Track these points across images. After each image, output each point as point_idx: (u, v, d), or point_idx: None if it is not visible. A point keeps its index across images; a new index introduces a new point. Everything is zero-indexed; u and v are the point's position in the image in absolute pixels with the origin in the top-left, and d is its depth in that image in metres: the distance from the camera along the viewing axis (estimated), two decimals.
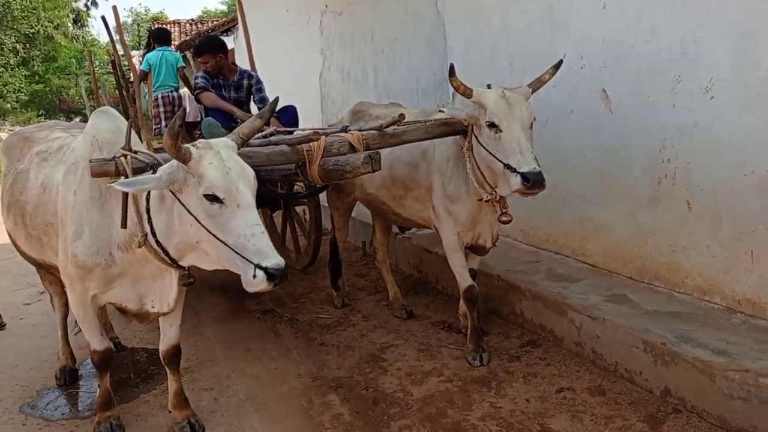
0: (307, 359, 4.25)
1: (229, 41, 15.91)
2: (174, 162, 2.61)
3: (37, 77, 32.17)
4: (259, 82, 5.29)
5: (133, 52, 40.76)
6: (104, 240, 2.93)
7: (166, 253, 2.76)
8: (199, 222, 2.54)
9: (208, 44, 5.09)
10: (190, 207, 2.56)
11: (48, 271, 3.72)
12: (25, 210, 3.29)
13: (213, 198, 2.50)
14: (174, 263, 2.80)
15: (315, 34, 8.70)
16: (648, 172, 4.03)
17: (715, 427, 3.03)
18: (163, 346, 3.42)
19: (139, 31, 52.62)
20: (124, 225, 2.81)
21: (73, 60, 42.81)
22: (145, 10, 56.62)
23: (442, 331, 4.51)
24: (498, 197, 3.48)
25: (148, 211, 2.73)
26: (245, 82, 5.22)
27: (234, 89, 5.18)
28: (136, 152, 2.84)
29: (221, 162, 2.56)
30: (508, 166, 3.18)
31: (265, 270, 2.41)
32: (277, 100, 2.87)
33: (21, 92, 26.87)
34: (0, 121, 23.61)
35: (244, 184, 2.56)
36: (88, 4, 39.27)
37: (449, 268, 4.07)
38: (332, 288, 5.21)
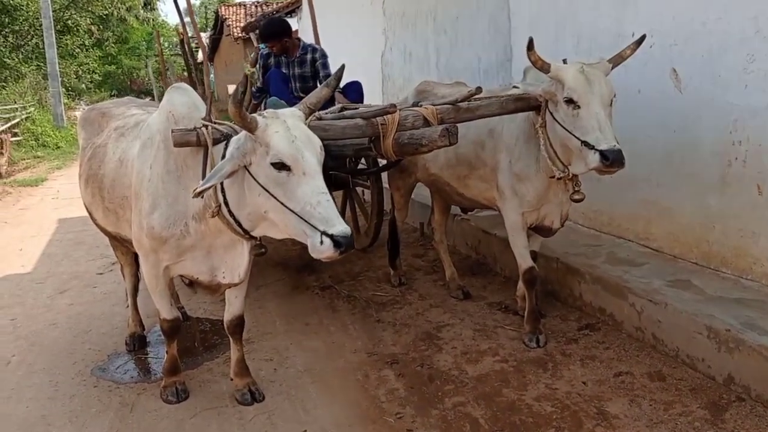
0: (364, 335, 4.31)
1: (292, 23, 16.11)
2: (242, 133, 2.69)
3: (110, 58, 33.31)
4: (323, 56, 5.26)
5: (202, 34, 41.72)
6: (180, 211, 3.03)
7: (239, 224, 2.83)
8: (267, 191, 2.60)
9: (272, 30, 5.15)
10: (258, 176, 2.62)
11: (121, 243, 3.87)
12: (103, 184, 3.44)
13: (280, 166, 2.55)
14: (246, 233, 2.88)
15: (378, 14, 8.71)
16: (717, 154, 3.90)
17: None
18: (228, 316, 3.53)
19: (206, 13, 53.72)
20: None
21: (143, 42, 44.09)
22: None
23: (499, 312, 4.50)
24: (571, 175, 3.44)
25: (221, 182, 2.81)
26: (309, 56, 5.22)
27: (298, 65, 5.22)
28: (214, 123, 2.93)
29: (287, 130, 2.61)
30: (585, 143, 3.13)
31: (332, 237, 2.46)
32: (343, 67, 2.89)
33: (95, 73, 27.87)
34: (75, 101, 24.51)
35: (309, 152, 2.60)
36: None
37: (508, 250, 4.05)
38: (390, 267, 5.25)
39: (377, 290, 5.14)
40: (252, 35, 17.08)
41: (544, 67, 3.31)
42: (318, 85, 5.27)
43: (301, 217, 2.55)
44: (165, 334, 3.54)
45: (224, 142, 2.86)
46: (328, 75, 5.13)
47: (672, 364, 3.52)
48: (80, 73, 25.49)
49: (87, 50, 26.15)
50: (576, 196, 3.50)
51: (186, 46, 6.34)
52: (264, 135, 2.60)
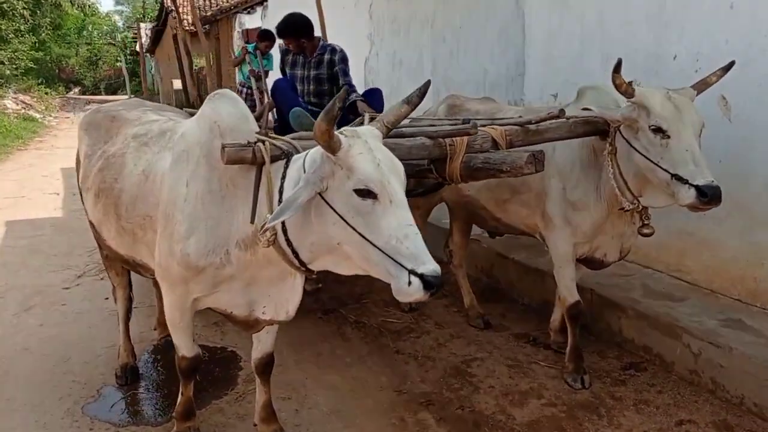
0: (386, 369, 3.95)
1: (255, 18, 15.53)
2: (316, 153, 2.28)
3: (41, 45, 31.57)
4: (343, 60, 4.80)
5: (141, 25, 40.01)
6: (221, 237, 2.60)
7: (296, 255, 2.42)
8: (345, 220, 2.20)
9: (289, 27, 4.67)
10: (335, 203, 2.22)
11: (131, 268, 3.37)
12: (120, 199, 2.94)
13: (365, 193, 2.16)
14: (302, 266, 2.47)
15: (363, 17, 8.33)
16: None
17: None
18: (257, 354, 3.11)
19: (144, 2, 51.90)
20: (252, 220, 2.48)
21: (72, 28, 42.06)
22: None
23: (528, 345, 4.21)
24: (640, 207, 3.17)
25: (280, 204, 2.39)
26: (327, 56, 4.75)
27: (314, 65, 4.77)
28: (272, 137, 2.52)
29: (371, 152, 2.23)
30: (677, 177, 2.87)
31: (421, 277, 2.08)
32: (429, 83, 2.54)
33: (21, 59, 26.33)
34: (3, 89, 23.02)
35: (395, 177, 2.23)
36: None
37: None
38: None
39: (387, 316, 4.77)
40: (238, 33, 16.31)
41: (627, 91, 3.04)
42: (333, 88, 4.84)
43: (385, 253, 2.16)
44: (182, 374, 3.08)
45: (284, 161, 2.46)
46: (348, 83, 4.69)
47: (737, 412, 3.30)
48: (14, 59, 23.97)
49: (22, 35, 24.61)
50: (646, 230, 3.24)
51: (181, 44, 5.76)
52: (346, 157, 2.21)
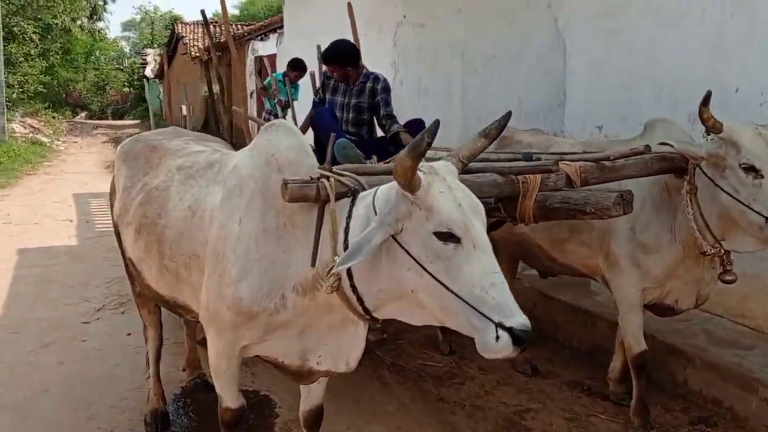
0: (431, 418, 3.69)
1: (269, 45, 15.44)
2: (390, 191, 2.05)
3: (49, 69, 31.64)
4: (385, 90, 4.57)
5: (149, 50, 40.14)
6: (277, 280, 2.36)
7: (361, 301, 2.17)
8: (422, 266, 1.97)
9: (336, 55, 4.46)
10: (411, 246, 1.98)
11: (171, 310, 3.12)
12: (164, 236, 2.70)
13: (447, 236, 1.93)
14: (367, 314, 2.21)
15: (386, 45, 8.17)
16: None
17: None
18: (306, 406, 2.87)
19: (152, 30, 52.26)
20: (313, 263, 2.24)
21: (80, 54, 42.15)
22: (154, 9, 56.43)
23: (583, 395, 3.93)
24: (722, 251, 2.93)
25: (346, 246, 2.15)
26: (369, 84, 4.53)
27: (356, 94, 4.56)
28: (336, 173, 2.30)
29: (451, 191, 2.01)
30: None
31: (510, 331, 1.84)
32: (509, 114, 2.32)
33: (29, 83, 26.30)
34: (11, 113, 22.91)
35: (477, 219, 2.01)
36: None
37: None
38: (438, 330, 4.62)
39: (426, 358, 4.51)
40: (250, 60, 16.22)
41: (715, 126, 2.81)
42: (372, 118, 4.62)
43: (468, 303, 1.92)
44: (226, 426, 2.81)
45: (349, 199, 2.23)
46: (389, 114, 4.46)
47: None
48: (24, 83, 23.88)
49: (32, 60, 24.56)
50: (728, 277, 3.00)
51: (215, 71, 5.53)
52: (426, 196, 1.97)
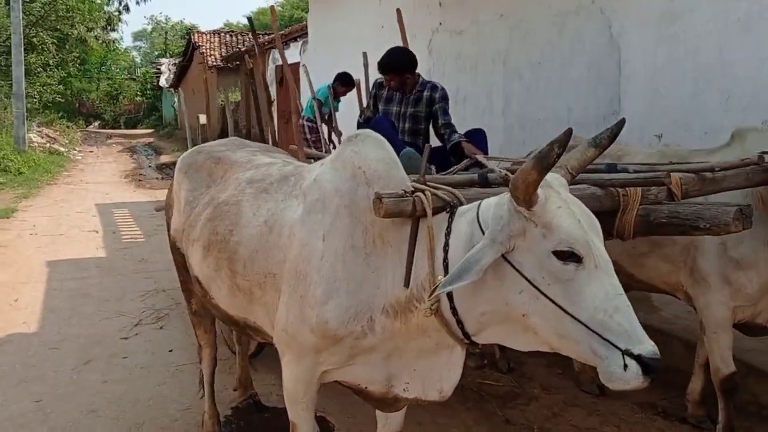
0: None
1: (291, 54, 15.33)
2: (500, 206, 1.87)
3: (65, 79, 31.78)
4: (444, 99, 4.39)
5: (163, 60, 40.25)
6: (364, 302, 2.18)
7: (460, 324, 1.99)
8: (538, 288, 1.79)
9: (395, 62, 4.29)
10: (524, 267, 1.81)
11: (240, 331, 2.94)
12: (237, 254, 2.51)
13: (567, 255, 1.76)
14: (466, 338, 2.03)
15: (421, 52, 7.98)
16: None
17: None
18: None
19: (165, 39, 52.47)
20: (407, 283, 2.07)
21: (96, 64, 42.39)
22: (165, 19, 56.75)
23: (658, 417, 3.73)
24: None
25: (445, 265, 1.97)
26: (426, 93, 4.36)
27: (412, 103, 4.38)
28: (432, 186, 2.13)
29: (568, 206, 1.84)
30: None
31: (638, 359, 1.67)
32: (623, 122, 2.15)
33: (47, 93, 26.39)
34: (28, 123, 22.93)
35: (596, 236, 1.83)
36: (120, 8, 38.98)
37: None
38: (496, 346, 4.43)
39: (485, 377, 4.31)
40: (271, 69, 16.10)
41: None
42: (429, 127, 4.45)
43: (590, 328, 1.74)
44: None
45: (447, 214, 2.05)
46: (448, 123, 4.28)
47: None
48: (43, 93, 23.95)
49: (51, 70, 24.63)
50: None
51: (261, 75, 5.38)
52: (544, 212, 1.80)
